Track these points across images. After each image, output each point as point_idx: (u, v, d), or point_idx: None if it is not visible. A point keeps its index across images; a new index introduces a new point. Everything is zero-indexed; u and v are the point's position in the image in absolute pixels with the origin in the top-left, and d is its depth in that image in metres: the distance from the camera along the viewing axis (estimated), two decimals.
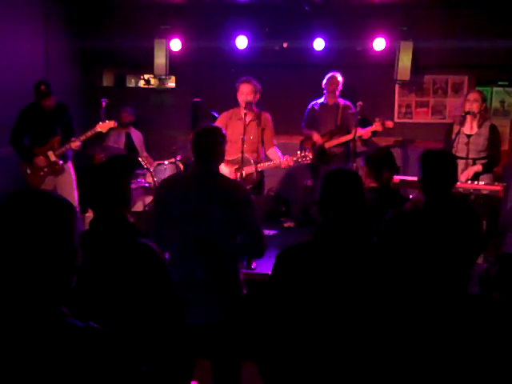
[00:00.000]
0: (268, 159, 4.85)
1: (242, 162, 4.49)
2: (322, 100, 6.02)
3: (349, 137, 5.79)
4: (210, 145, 2.82)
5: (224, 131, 2.96)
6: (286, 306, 1.99)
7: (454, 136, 4.67)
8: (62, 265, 1.26)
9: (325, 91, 5.98)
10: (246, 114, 4.55)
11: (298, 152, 4.70)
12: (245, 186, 3.11)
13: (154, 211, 2.94)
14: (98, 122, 5.30)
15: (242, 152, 4.46)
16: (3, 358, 1.18)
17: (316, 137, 5.90)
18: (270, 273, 4.00)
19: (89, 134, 5.23)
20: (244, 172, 4.56)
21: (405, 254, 2.61)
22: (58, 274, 1.25)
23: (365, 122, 5.93)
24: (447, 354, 2.47)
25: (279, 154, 4.79)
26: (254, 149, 4.73)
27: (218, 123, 4.77)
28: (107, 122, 5.27)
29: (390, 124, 5.89)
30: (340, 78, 5.89)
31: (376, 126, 5.81)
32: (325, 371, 1.93)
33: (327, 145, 5.89)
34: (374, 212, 2.74)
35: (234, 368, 2.86)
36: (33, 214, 1.23)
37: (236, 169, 4.57)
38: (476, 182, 4.57)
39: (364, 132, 5.79)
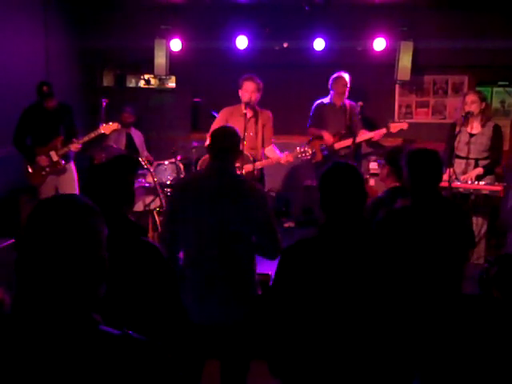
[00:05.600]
0: (266, 157, 4.84)
1: (243, 160, 4.47)
2: (327, 100, 5.75)
3: (362, 138, 5.66)
4: (231, 144, 2.82)
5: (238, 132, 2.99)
6: (293, 301, 1.98)
7: (455, 135, 4.66)
8: (93, 271, 1.25)
9: (332, 92, 5.70)
10: (246, 114, 4.55)
11: (298, 148, 4.68)
12: (260, 186, 3.11)
13: (168, 210, 2.95)
14: (98, 122, 5.30)
15: (243, 150, 4.45)
16: (39, 370, 1.15)
17: (327, 136, 5.61)
18: (270, 272, 4.01)
19: (92, 135, 5.21)
20: (244, 170, 4.54)
21: (397, 253, 2.61)
22: (89, 281, 1.24)
23: (365, 123, 5.91)
24: (446, 353, 2.48)
25: (277, 151, 4.79)
26: (253, 146, 4.71)
27: (219, 118, 4.78)
28: (111, 124, 5.24)
29: (404, 125, 5.74)
30: (348, 79, 5.63)
31: (392, 128, 5.66)
32: (332, 364, 1.94)
33: (337, 146, 5.64)
34: None
35: (243, 368, 2.86)
36: (66, 222, 1.22)
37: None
38: (476, 182, 4.57)
39: (375, 133, 5.65)
